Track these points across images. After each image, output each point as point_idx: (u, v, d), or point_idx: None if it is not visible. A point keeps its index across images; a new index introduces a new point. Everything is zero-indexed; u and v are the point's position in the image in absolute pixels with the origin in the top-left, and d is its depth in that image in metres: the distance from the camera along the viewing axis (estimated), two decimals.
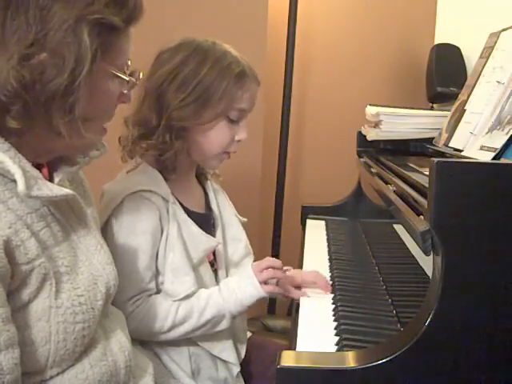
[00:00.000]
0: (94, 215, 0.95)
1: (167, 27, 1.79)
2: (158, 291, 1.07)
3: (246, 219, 1.27)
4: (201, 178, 1.22)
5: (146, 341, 1.08)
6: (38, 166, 0.79)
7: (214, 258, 1.17)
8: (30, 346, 0.73)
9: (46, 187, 0.76)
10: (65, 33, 0.70)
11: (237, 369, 1.14)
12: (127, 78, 0.80)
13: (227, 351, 1.12)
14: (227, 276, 1.18)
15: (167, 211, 1.06)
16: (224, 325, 1.07)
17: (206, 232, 1.12)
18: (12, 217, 0.72)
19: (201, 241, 1.09)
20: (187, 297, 1.05)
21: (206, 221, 1.16)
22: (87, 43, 0.71)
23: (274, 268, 1.09)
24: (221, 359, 1.12)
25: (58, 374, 0.77)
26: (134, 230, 1.03)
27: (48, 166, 0.85)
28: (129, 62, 0.83)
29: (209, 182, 1.23)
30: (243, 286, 1.07)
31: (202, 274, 1.11)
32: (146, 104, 1.07)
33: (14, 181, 0.72)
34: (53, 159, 0.85)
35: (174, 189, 1.09)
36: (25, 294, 0.73)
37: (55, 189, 0.77)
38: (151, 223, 1.04)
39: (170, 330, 1.04)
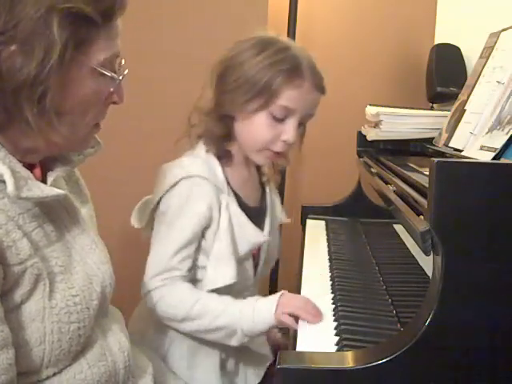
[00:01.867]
0: (90, 213, 0.94)
1: (167, 27, 1.79)
2: (192, 281, 1.08)
3: (289, 220, 1.31)
4: (262, 175, 1.24)
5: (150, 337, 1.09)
6: (30, 167, 0.79)
7: (258, 253, 1.18)
8: (25, 346, 0.73)
9: (36, 188, 0.75)
10: (36, 23, 0.69)
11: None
12: (109, 74, 0.78)
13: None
14: (265, 269, 1.21)
15: (220, 201, 1.07)
16: (236, 341, 1.04)
17: (258, 225, 1.14)
18: (3, 218, 0.71)
19: (250, 234, 1.11)
20: (225, 288, 1.06)
21: (258, 215, 1.17)
22: (56, 33, 0.69)
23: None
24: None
25: (54, 374, 0.77)
26: (182, 211, 1.05)
27: (42, 166, 0.84)
28: (122, 61, 0.81)
29: (267, 181, 1.24)
30: (264, 308, 1.02)
31: (246, 268, 1.12)
32: (211, 88, 1.10)
33: (4, 182, 0.72)
34: (47, 159, 0.84)
35: (231, 179, 1.12)
36: (18, 294, 0.72)
37: (46, 189, 0.76)
38: (199, 209, 1.05)
39: (182, 320, 1.04)
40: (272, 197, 1.24)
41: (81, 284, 0.80)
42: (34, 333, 0.73)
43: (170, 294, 1.04)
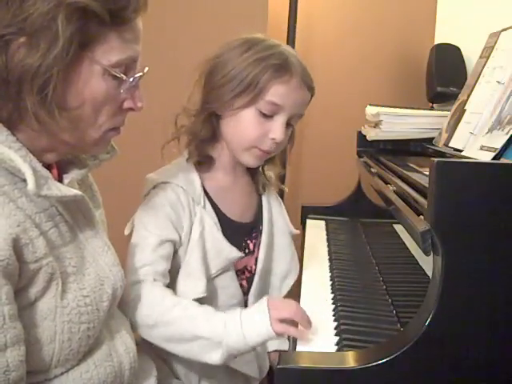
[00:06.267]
0: (102, 218, 0.95)
1: (167, 27, 1.80)
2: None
3: (298, 231, 1.25)
4: (258, 185, 1.18)
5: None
6: (48, 167, 0.80)
7: (255, 265, 1.13)
8: (36, 344, 0.74)
9: (55, 187, 0.76)
10: (44, 17, 0.70)
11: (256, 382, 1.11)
12: (118, 75, 0.78)
13: (249, 365, 1.07)
14: (265, 285, 1.15)
15: (194, 213, 1.04)
16: (216, 358, 0.91)
17: (239, 240, 1.09)
18: (21, 215, 0.72)
19: (223, 249, 1.05)
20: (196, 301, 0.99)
21: (243, 230, 1.12)
22: (61, 27, 0.70)
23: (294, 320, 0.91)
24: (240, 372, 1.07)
25: (62, 374, 0.78)
26: (156, 211, 1.02)
27: (58, 168, 0.85)
28: (146, 69, 0.82)
29: (267, 191, 1.18)
30: (254, 318, 0.91)
31: (218, 284, 1.06)
32: (198, 89, 1.07)
33: (24, 180, 0.73)
34: (63, 162, 0.85)
35: (210, 189, 1.08)
36: (32, 292, 0.73)
37: (64, 189, 0.78)
38: (172, 213, 1.02)
39: (154, 326, 0.94)
40: (273, 211, 1.17)
41: (92, 285, 0.80)
42: (45, 331, 0.74)
43: (147, 293, 0.95)
